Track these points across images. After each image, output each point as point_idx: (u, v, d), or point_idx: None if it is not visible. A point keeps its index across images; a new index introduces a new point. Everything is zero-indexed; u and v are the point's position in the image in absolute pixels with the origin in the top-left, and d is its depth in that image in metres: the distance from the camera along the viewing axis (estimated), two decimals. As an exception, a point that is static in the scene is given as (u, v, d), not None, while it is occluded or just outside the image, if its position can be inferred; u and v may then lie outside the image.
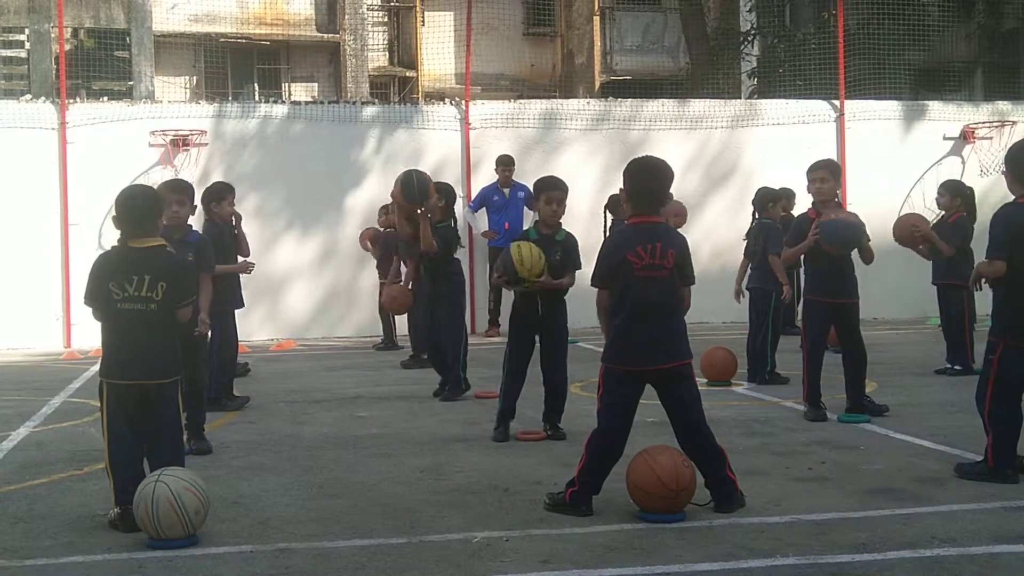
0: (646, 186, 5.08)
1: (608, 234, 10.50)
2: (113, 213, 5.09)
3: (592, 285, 5.18)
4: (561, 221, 6.97)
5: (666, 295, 5.02)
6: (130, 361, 4.92)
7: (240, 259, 8.57)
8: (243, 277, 8.70)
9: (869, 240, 7.37)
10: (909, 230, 8.42)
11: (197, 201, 7.28)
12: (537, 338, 6.93)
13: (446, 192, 8.63)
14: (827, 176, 7.36)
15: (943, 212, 9.61)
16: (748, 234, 9.38)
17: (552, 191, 6.86)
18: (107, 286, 4.92)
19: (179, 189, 6.85)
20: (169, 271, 5.03)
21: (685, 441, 5.09)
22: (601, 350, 5.19)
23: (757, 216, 9.29)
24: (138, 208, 5.03)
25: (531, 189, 8.35)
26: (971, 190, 9.74)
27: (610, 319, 5.09)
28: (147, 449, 5.05)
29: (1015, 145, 5.93)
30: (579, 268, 6.87)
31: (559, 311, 6.90)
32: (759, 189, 9.57)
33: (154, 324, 4.94)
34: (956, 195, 9.29)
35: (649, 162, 5.25)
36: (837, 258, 7.26)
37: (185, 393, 6.70)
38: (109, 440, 4.95)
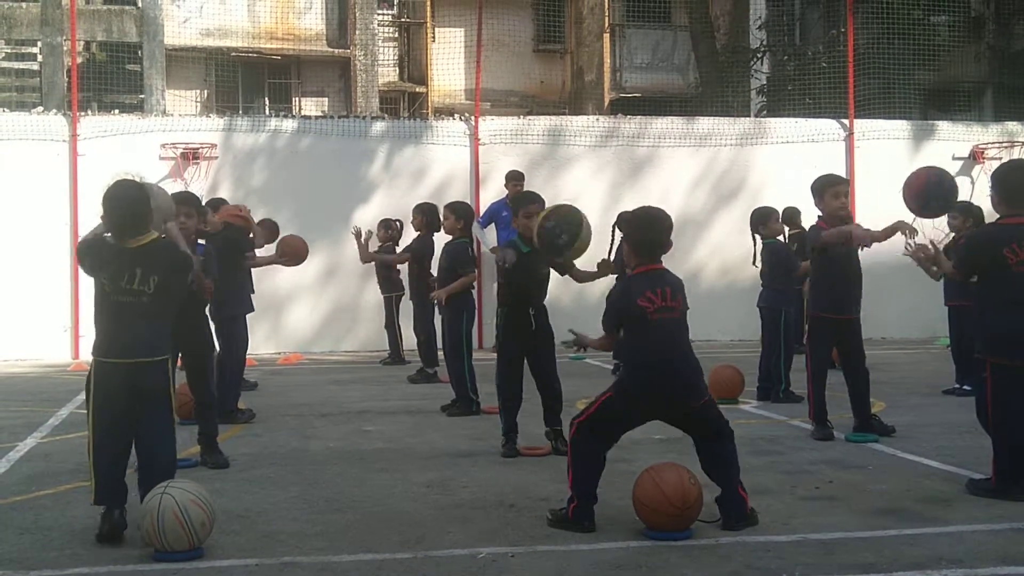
0: (649, 238, 5.16)
1: (615, 250, 10.49)
2: (101, 212, 5.04)
3: (604, 329, 5.27)
4: None
5: (682, 335, 5.09)
6: (117, 341, 4.92)
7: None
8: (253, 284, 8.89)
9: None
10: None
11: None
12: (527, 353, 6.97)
13: (463, 212, 8.63)
14: (847, 192, 7.46)
15: (954, 233, 9.58)
16: (759, 256, 9.31)
17: (529, 204, 6.95)
18: (98, 270, 4.95)
19: (186, 201, 6.88)
20: (162, 263, 5.00)
21: (710, 453, 5.13)
22: (607, 366, 5.20)
23: (759, 237, 9.25)
24: (125, 210, 4.98)
25: None
26: (979, 209, 9.72)
27: (629, 361, 5.16)
28: (137, 440, 4.97)
29: (1003, 165, 6.07)
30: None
31: (547, 320, 6.97)
32: (754, 211, 9.54)
33: (145, 313, 4.94)
34: (968, 216, 9.27)
35: (649, 213, 5.33)
36: (847, 270, 7.26)
37: (195, 407, 6.77)
38: (95, 430, 4.92)
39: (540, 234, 6.02)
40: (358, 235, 11.66)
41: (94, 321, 5.07)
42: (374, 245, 12.45)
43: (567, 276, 7.00)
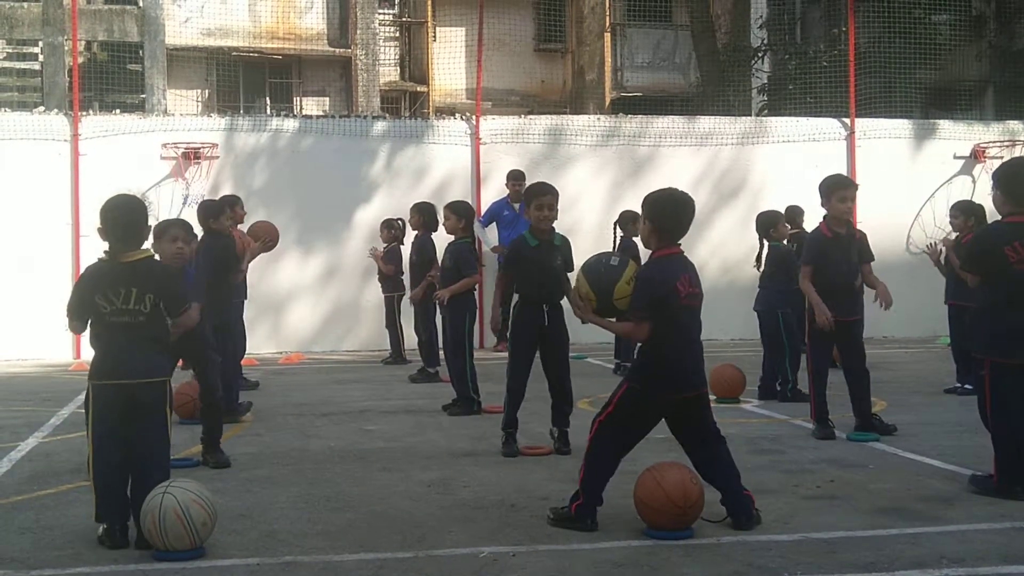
0: (680, 221, 5.08)
1: (616, 251, 10.50)
2: (98, 224, 4.99)
3: (632, 318, 4.98)
4: (553, 226, 6.96)
5: (699, 322, 5.09)
6: (116, 364, 4.86)
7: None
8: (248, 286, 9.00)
9: (872, 259, 7.49)
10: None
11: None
12: (539, 349, 6.91)
13: (464, 211, 8.63)
14: (855, 196, 7.49)
15: (956, 233, 9.60)
16: (764, 259, 9.34)
17: (543, 196, 6.85)
18: (93, 299, 4.85)
19: (183, 227, 6.76)
20: (156, 282, 4.94)
21: (706, 459, 5.10)
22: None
23: (766, 240, 9.27)
24: (122, 221, 4.93)
25: None
26: (981, 208, 9.73)
27: (650, 347, 5.02)
28: (131, 456, 4.91)
29: (1005, 164, 6.06)
30: (572, 270, 6.86)
31: (562, 319, 6.89)
32: (759, 215, 9.56)
33: (143, 334, 4.88)
34: (970, 215, 9.29)
35: (675, 197, 5.18)
36: (848, 275, 7.29)
37: (201, 408, 6.77)
38: (93, 445, 4.90)
39: (591, 261, 5.25)
40: (375, 255, 12.21)
41: (91, 345, 4.97)
42: (378, 244, 12.47)
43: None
